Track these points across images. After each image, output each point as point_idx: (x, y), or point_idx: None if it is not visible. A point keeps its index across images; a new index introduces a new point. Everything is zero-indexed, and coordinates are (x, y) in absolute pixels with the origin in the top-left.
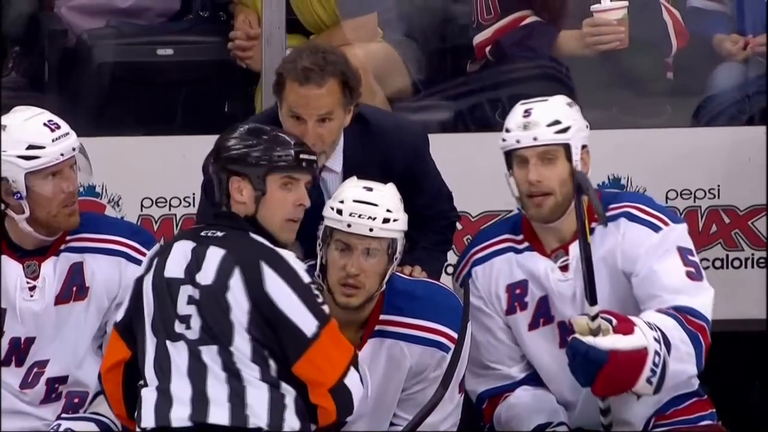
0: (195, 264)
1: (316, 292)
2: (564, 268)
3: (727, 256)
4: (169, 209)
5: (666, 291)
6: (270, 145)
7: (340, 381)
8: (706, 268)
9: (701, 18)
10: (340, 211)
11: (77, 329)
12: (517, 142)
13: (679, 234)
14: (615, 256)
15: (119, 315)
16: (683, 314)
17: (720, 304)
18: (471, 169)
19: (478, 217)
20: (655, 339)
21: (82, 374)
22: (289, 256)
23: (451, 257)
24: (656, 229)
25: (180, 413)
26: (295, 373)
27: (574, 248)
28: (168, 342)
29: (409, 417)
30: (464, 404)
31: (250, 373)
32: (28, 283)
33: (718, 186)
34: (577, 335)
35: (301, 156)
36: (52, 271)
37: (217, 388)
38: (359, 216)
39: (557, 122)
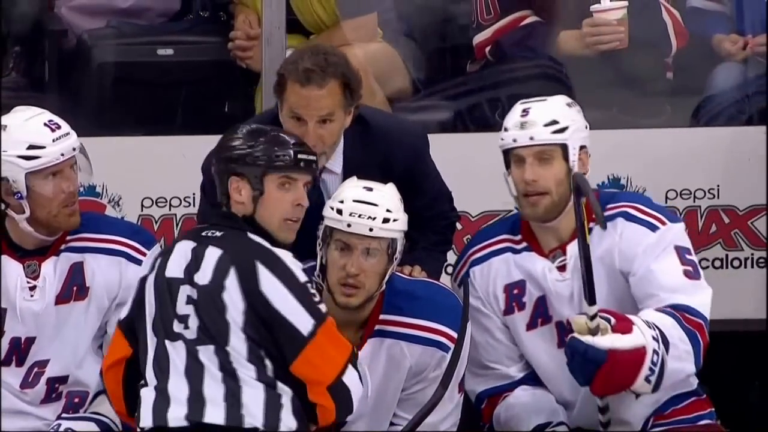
0: (194, 264)
1: (313, 291)
2: (562, 268)
3: (727, 255)
4: (170, 209)
5: (663, 290)
6: (268, 145)
7: (338, 379)
8: (705, 268)
9: (701, 18)
10: (340, 211)
11: (77, 329)
12: (514, 141)
13: (676, 233)
14: (613, 256)
15: (123, 313)
16: (681, 313)
17: (720, 304)
18: (471, 169)
19: (478, 217)
20: (654, 338)
21: (82, 374)
22: (286, 255)
23: (451, 257)
24: (653, 228)
25: (177, 413)
26: (293, 372)
27: (572, 248)
28: (167, 342)
29: (409, 417)
30: (464, 404)
31: (246, 372)
32: (28, 282)
33: (718, 186)
34: (575, 334)
35: (300, 156)
36: (53, 270)
37: (213, 387)
38: (359, 216)
39: (554, 122)
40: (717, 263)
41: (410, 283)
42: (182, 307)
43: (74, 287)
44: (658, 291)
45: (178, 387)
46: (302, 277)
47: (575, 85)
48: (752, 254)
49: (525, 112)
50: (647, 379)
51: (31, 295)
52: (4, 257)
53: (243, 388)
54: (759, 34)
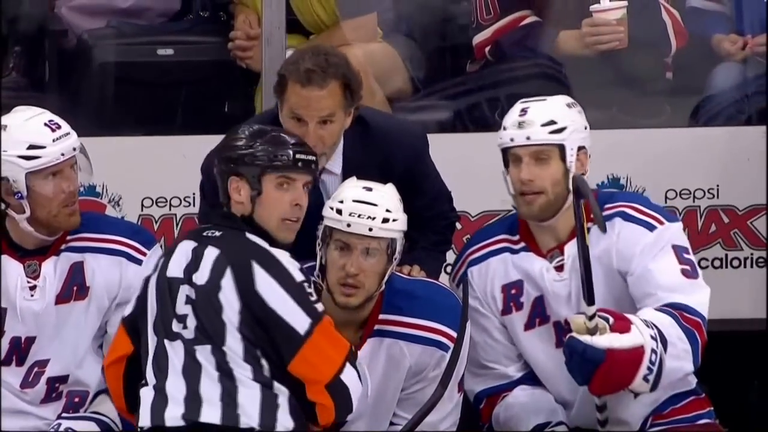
0: (193, 264)
1: (310, 290)
2: (559, 268)
3: (726, 255)
4: (170, 209)
5: (661, 289)
6: (268, 145)
7: (336, 377)
8: (705, 268)
9: (700, 18)
10: (339, 211)
11: (77, 329)
12: (511, 140)
13: (674, 232)
14: (610, 256)
15: (127, 310)
16: (679, 311)
17: (719, 304)
18: (470, 169)
19: (478, 217)
20: (652, 337)
21: (82, 374)
22: (283, 255)
23: (451, 257)
24: (651, 228)
25: (174, 412)
26: (291, 372)
27: (570, 248)
28: (166, 341)
29: (409, 416)
30: (463, 404)
31: (243, 372)
32: (28, 282)
33: (717, 186)
34: (574, 334)
35: (298, 156)
36: (53, 270)
37: (210, 387)
38: (359, 216)
39: (552, 122)
40: (716, 263)
41: (409, 282)
42: (181, 307)
43: (74, 287)
44: (656, 290)
45: (176, 386)
46: (299, 277)
47: (575, 85)
48: (752, 254)
49: (523, 111)
50: (645, 379)
51: (32, 295)
52: (5, 257)
53: (239, 388)
54: (758, 34)
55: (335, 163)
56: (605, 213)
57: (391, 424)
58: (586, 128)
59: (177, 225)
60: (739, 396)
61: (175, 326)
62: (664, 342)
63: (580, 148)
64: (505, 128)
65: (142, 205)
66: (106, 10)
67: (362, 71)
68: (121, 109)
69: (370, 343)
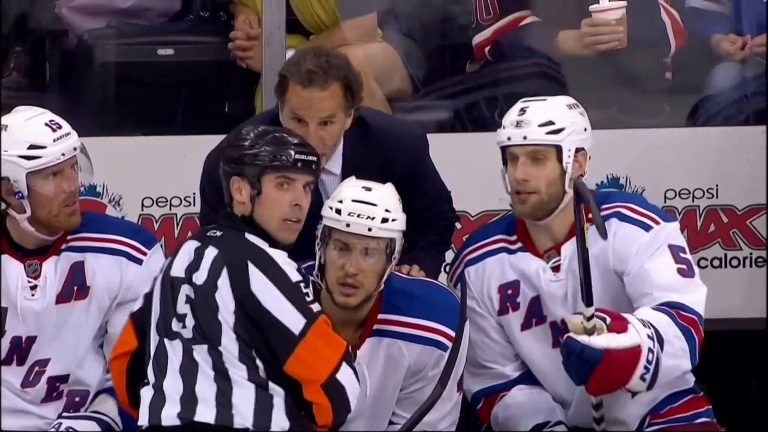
0: (194, 264)
1: (306, 290)
2: (556, 269)
3: (726, 255)
4: (170, 209)
5: (658, 288)
6: (268, 146)
7: (331, 376)
8: (704, 268)
9: (699, 18)
10: (338, 211)
11: (78, 328)
12: (509, 139)
13: (670, 232)
14: (607, 256)
15: (137, 305)
16: (676, 310)
17: (719, 304)
18: (470, 168)
19: (477, 217)
20: (649, 336)
21: (83, 373)
22: (279, 255)
23: (450, 257)
24: (647, 228)
25: (170, 411)
26: (287, 372)
27: (566, 249)
28: (166, 340)
29: (408, 416)
30: (463, 404)
31: (238, 372)
32: (29, 282)
33: (717, 185)
34: (571, 334)
35: (298, 156)
36: (53, 270)
37: (205, 387)
38: (358, 216)
39: (550, 123)
40: (716, 263)
41: (408, 282)
42: (181, 307)
43: (75, 287)
44: (653, 289)
45: (174, 385)
46: (294, 277)
47: (574, 85)
48: (751, 254)
49: (522, 110)
50: (642, 378)
51: (32, 295)
52: (5, 257)
53: (234, 388)
54: (757, 34)
55: (335, 164)
56: (602, 213)
57: (391, 423)
58: (586, 130)
59: (177, 225)
60: (738, 395)
61: (175, 325)
62: (660, 341)
63: (579, 150)
64: (503, 127)
65: (143, 205)
66: (107, 11)
67: (362, 71)
68: (121, 109)
69: (369, 343)
